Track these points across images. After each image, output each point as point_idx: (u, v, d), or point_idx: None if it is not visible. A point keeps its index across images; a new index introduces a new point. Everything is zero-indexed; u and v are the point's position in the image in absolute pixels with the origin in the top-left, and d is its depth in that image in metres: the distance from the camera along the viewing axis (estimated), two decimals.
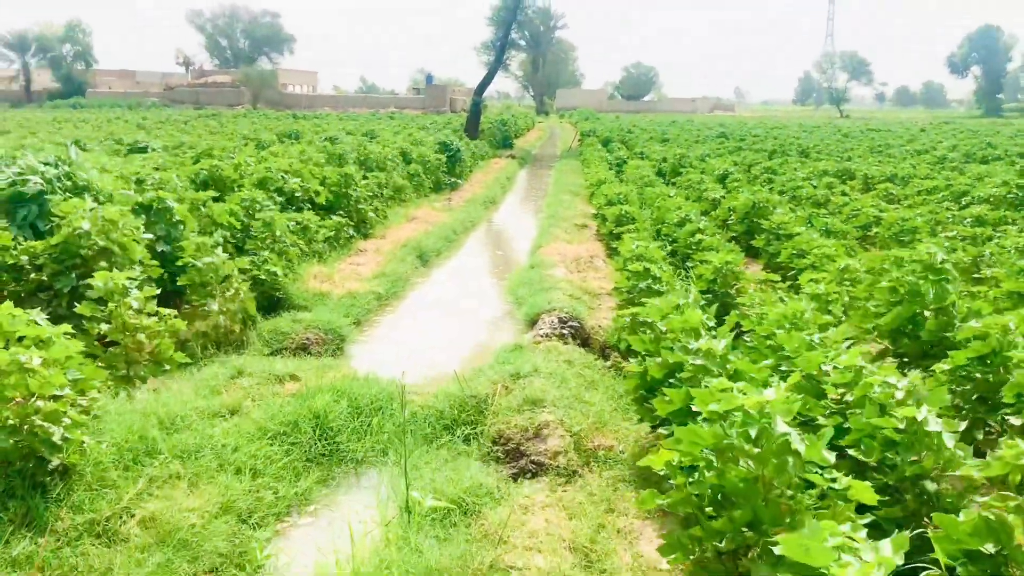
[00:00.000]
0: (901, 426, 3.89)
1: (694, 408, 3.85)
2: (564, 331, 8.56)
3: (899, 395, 4.17)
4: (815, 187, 18.12)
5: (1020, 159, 25.34)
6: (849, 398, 4.44)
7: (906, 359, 6.39)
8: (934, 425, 3.86)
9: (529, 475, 5.40)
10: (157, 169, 12.18)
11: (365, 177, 16.27)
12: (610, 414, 6.24)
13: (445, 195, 20.54)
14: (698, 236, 10.76)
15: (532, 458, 5.51)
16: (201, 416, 5.82)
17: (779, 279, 8.89)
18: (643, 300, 8.71)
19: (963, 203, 15.61)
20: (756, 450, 3.37)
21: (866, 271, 7.62)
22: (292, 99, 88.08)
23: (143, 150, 17.79)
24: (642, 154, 26.89)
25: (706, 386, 4.02)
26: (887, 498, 3.86)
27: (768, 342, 5.27)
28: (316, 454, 5.66)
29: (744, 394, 3.53)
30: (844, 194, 17.28)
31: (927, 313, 6.27)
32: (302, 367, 7.10)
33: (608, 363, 7.84)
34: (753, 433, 3.39)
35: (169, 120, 45.15)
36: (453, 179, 22.70)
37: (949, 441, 3.85)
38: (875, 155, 29.48)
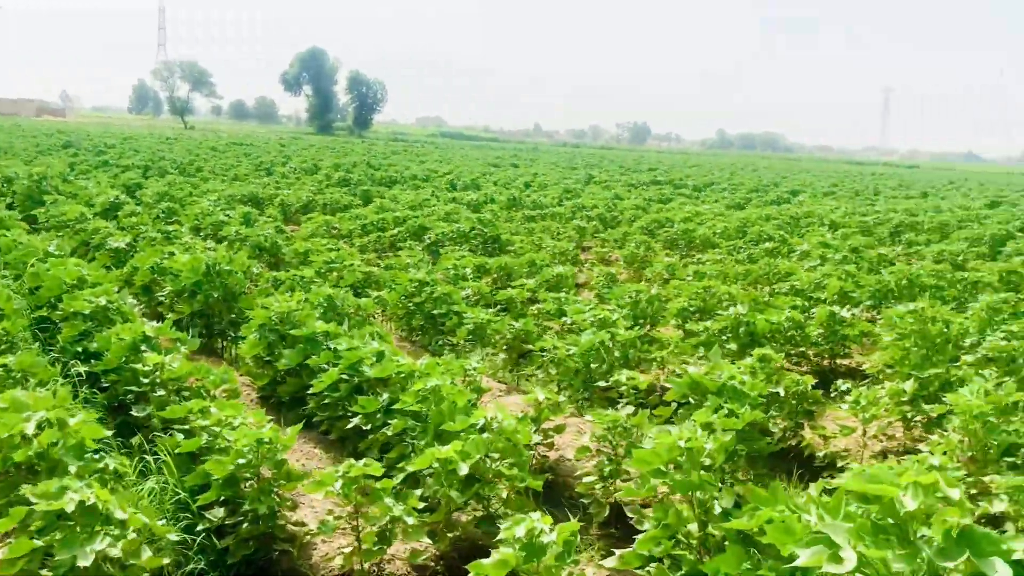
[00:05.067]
0: None
1: None
2: None
3: None
4: (251, 228, 13.60)
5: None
6: None
7: None
8: None
9: None
10: None
11: None
12: None
13: None
14: (152, 359, 5.64)
15: None
16: None
17: (379, 473, 4.46)
18: None
19: (537, 264, 11.21)
20: None
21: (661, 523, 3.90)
22: None
23: None
24: None
25: None
26: None
27: None
28: None
29: None
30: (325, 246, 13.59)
31: None
32: None
33: None
34: None
35: None
36: None
37: None
38: (292, 176, 26.60)
